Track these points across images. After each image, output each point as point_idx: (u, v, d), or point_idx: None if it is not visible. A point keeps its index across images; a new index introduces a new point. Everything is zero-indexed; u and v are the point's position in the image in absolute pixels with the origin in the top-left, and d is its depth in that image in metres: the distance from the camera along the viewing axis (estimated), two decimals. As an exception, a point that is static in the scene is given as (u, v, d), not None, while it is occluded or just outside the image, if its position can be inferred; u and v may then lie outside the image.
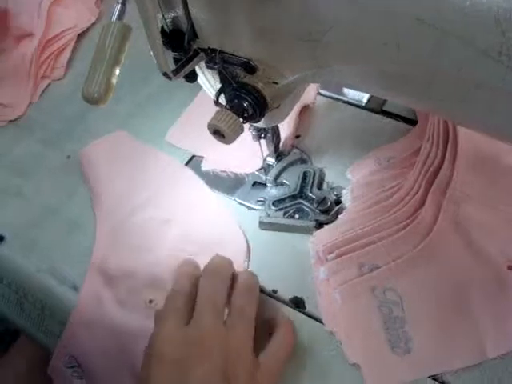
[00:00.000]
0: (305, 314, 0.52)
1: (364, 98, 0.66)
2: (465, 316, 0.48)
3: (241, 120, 0.43)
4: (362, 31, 0.34)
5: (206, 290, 0.48)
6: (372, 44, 0.34)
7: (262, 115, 0.44)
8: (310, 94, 0.65)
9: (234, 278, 0.50)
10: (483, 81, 0.31)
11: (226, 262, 0.51)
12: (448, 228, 0.51)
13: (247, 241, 0.58)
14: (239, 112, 0.43)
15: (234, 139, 0.43)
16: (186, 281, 0.50)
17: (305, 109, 0.66)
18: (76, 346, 0.54)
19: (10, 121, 0.77)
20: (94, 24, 0.86)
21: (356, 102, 0.67)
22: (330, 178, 0.61)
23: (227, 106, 0.44)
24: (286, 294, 0.53)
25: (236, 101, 0.43)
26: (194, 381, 0.43)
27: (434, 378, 0.46)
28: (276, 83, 0.43)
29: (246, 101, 0.43)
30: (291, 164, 0.62)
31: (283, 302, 0.53)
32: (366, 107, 0.66)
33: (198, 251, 0.56)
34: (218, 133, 0.43)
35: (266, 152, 0.61)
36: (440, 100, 0.35)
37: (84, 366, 0.53)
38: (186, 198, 0.62)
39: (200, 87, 0.52)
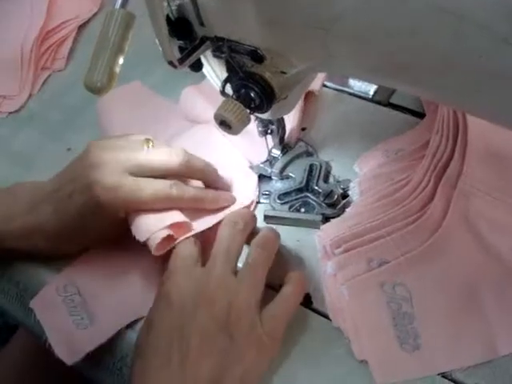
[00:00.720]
0: (311, 309, 0.51)
1: (371, 90, 0.65)
2: (475, 313, 0.47)
3: (248, 111, 0.42)
4: (375, 18, 0.33)
5: (223, 239, 0.49)
6: (385, 32, 0.33)
7: (269, 106, 0.43)
8: (316, 81, 0.63)
9: (253, 232, 0.52)
10: (503, 70, 0.30)
11: (248, 215, 0.52)
12: (458, 223, 0.50)
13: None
14: (246, 102, 0.42)
15: (241, 130, 0.42)
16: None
17: (310, 98, 0.64)
18: (84, 271, 0.55)
19: (10, 112, 0.75)
20: (95, 15, 0.85)
21: (362, 95, 0.66)
22: (337, 171, 0.60)
23: (234, 96, 0.43)
24: (292, 289, 0.52)
25: (243, 91, 0.42)
26: (194, 325, 0.44)
27: (444, 375, 0.45)
28: (284, 73, 0.42)
29: (253, 91, 0.42)
30: (297, 157, 0.61)
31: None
32: (373, 99, 0.65)
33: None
34: (224, 123, 0.42)
35: (271, 144, 0.60)
36: (456, 89, 0.34)
37: (84, 292, 0.53)
38: (198, 146, 0.61)
39: (204, 77, 0.51)
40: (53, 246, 0.54)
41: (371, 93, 0.65)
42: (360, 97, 0.66)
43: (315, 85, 0.64)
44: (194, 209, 0.54)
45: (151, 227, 0.49)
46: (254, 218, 0.54)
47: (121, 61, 0.45)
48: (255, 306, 0.46)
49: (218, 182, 0.56)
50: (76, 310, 0.53)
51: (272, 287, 0.52)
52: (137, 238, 0.49)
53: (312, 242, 0.54)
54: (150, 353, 0.45)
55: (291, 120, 0.61)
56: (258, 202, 0.59)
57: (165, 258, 0.50)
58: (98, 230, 0.53)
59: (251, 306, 0.46)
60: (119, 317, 0.52)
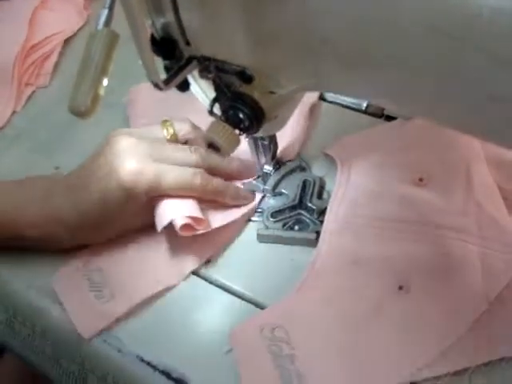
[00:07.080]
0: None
1: (363, 102, 0.64)
2: (368, 340, 0.46)
3: (237, 132, 0.41)
4: (367, 40, 0.31)
5: None
6: (378, 54, 0.32)
7: (259, 127, 0.41)
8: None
9: None
10: (503, 93, 0.28)
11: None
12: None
13: None
14: (235, 123, 0.41)
15: (231, 153, 0.41)
16: None
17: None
18: (103, 250, 0.55)
19: (-4, 130, 0.74)
20: (82, 28, 0.83)
21: (355, 107, 0.65)
22: (331, 186, 0.58)
23: (222, 117, 0.42)
24: (287, 310, 0.51)
25: (231, 111, 0.41)
26: None
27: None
28: (273, 93, 0.40)
29: (242, 111, 0.40)
30: (290, 172, 0.59)
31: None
32: (366, 112, 0.64)
33: None
34: (213, 146, 0.41)
35: (263, 160, 0.59)
36: (453, 113, 0.32)
37: (105, 268, 0.54)
38: None
39: (192, 93, 0.50)
40: (74, 236, 0.55)
41: (364, 105, 0.64)
42: (353, 109, 0.65)
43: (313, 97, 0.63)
44: (213, 201, 0.54)
45: (169, 215, 0.50)
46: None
47: (105, 82, 0.43)
48: None
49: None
50: (97, 285, 0.53)
51: (256, 304, 0.51)
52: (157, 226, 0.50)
53: (306, 261, 0.52)
54: None
55: (287, 135, 0.60)
56: (250, 220, 0.58)
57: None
58: (122, 217, 0.53)
59: None
60: (139, 290, 0.52)
